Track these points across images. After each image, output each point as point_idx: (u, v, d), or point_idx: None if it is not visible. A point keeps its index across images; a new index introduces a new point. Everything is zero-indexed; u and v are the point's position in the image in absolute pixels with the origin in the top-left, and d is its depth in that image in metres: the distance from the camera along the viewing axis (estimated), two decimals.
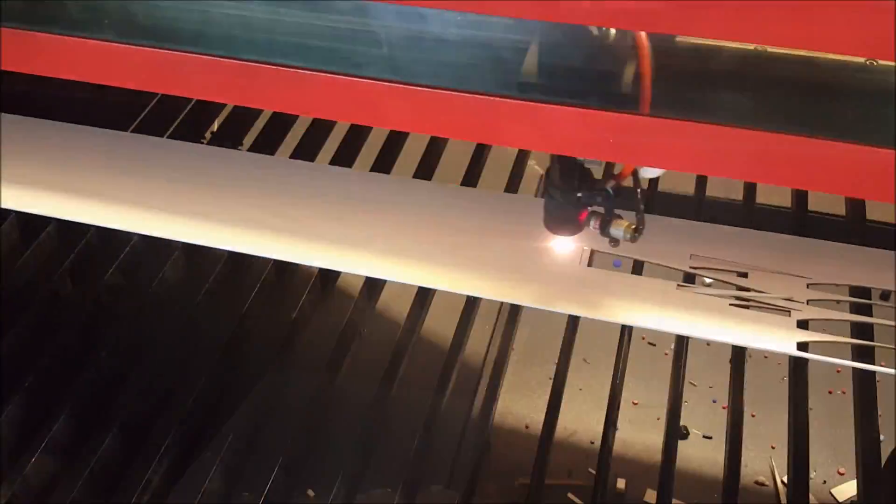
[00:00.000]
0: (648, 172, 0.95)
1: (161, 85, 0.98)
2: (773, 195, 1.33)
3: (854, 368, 1.09)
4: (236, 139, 1.51)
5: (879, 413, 1.08)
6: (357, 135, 1.45)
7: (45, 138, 1.31)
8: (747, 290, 1.07)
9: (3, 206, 1.21)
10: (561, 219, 1.00)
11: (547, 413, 1.16)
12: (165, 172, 1.25)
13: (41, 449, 1.11)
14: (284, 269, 1.31)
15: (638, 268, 1.14)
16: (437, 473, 1.24)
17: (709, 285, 1.10)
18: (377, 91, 0.85)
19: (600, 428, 1.14)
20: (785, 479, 1.51)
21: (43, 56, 0.96)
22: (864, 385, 1.10)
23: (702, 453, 1.58)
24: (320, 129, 1.45)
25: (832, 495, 1.52)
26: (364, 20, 0.84)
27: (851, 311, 1.08)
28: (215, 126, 1.57)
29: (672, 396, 1.15)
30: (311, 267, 1.26)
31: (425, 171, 1.37)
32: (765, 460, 1.56)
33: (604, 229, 0.99)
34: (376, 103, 0.87)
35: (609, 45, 0.78)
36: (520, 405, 1.67)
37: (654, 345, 1.75)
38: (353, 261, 1.13)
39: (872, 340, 1.06)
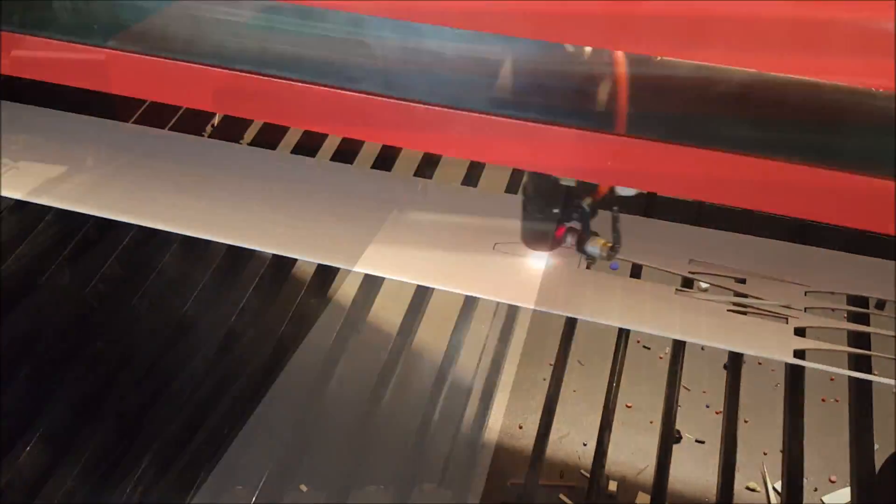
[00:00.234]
0: (624, 191, 0.94)
1: (155, 93, 0.98)
2: None
3: (850, 377, 1.09)
4: (237, 134, 1.51)
5: None
6: None
7: (46, 128, 1.31)
8: (745, 296, 1.07)
9: (3, 194, 1.20)
10: (538, 234, 1.00)
11: (542, 414, 1.16)
12: (166, 165, 1.25)
13: (35, 439, 1.11)
14: (282, 266, 1.31)
15: (636, 271, 1.14)
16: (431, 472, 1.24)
17: (706, 290, 1.10)
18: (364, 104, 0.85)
19: (593, 430, 1.14)
20: (776, 485, 1.52)
21: (44, 60, 0.95)
22: (861, 394, 1.10)
23: (693, 457, 1.58)
24: None
25: (823, 503, 1.52)
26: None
27: (849, 320, 1.09)
28: (216, 120, 1.57)
29: (667, 400, 1.15)
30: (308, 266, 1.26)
31: (425, 170, 1.37)
32: (756, 466, 1.57)
33: (580, 246, 0.98)
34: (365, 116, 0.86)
35: (589, 64, 0.78)
36: (514, 406, 1.67)
37: (649, 348, 1.75)
38: (352, 259, 1.12)
39: (869, 349, 1.07)
